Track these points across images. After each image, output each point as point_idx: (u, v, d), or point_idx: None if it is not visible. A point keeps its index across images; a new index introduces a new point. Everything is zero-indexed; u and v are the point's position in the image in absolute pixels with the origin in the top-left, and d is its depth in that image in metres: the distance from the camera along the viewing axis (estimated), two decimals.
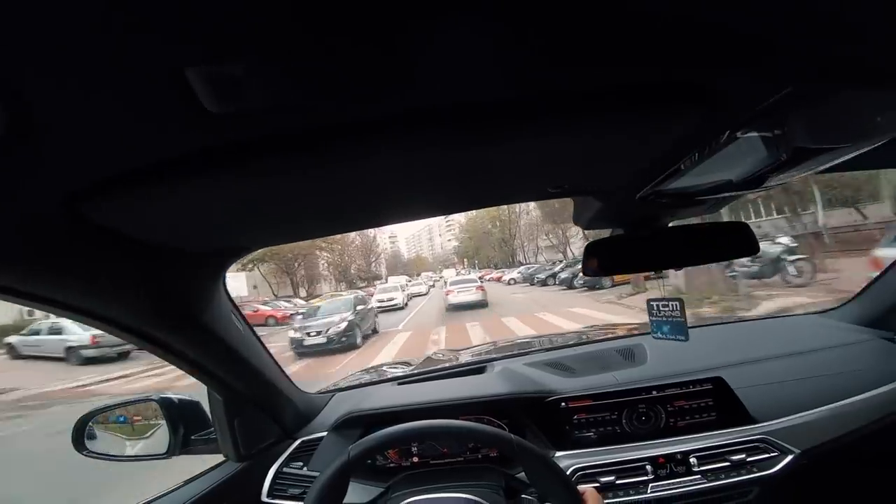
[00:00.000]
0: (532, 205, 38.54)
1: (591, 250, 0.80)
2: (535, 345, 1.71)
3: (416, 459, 1.08)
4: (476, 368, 1.41)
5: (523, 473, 0.90)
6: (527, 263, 37.87)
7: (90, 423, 0.98)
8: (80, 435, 0.97)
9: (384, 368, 1.81)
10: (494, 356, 1.51)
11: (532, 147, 0.50)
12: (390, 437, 0.66)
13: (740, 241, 0.78)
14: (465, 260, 74.91)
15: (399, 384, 1.37)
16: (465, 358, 1.67)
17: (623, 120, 0.45)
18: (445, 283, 19.91)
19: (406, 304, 18.32)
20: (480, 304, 13.61)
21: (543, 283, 19.10)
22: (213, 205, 0.52)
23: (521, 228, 43.19)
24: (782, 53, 0.35)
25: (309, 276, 35.98)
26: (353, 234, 44.43)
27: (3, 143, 0.31)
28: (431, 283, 36.72)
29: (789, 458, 0.97)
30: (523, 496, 0.74)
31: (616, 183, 0.67)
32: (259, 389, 1.01)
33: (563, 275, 16.71)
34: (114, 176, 0.41)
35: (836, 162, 0.53)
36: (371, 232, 52.37)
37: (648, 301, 0.99)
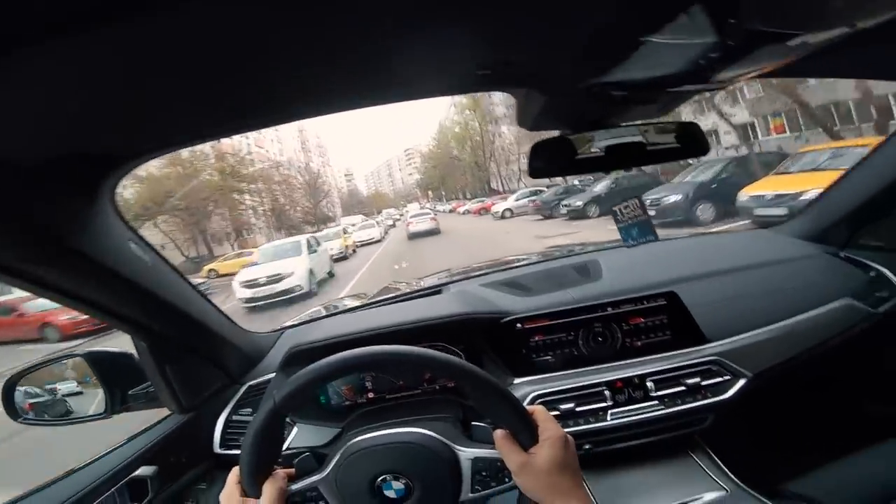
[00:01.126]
0: (504, 127, 36.87)
1: (537, 150, 0.80)
2: (492, 266, 1.74)
3: (371, 395, 1.09)
4: (432, 291, 1.44)
5: None
6: (502, 191, 35.12)
7: (18, 387, 0.95)
8: (10, 401, 0.95)
9: (339, 302, 1.82)
10: (452, 279, 1.54)
11: (457, 15, 0.44)
12: (316, 374, 0.62)
13: (691, 141, 0.79)
14: (429, 193, 72.94)
15: (350, 315, 1.36)
16: (420, 284, 1.70)
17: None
18: (407, 216, 23.64)
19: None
20: (435, 232, 17.73)
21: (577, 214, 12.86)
22: (70, 83, 0.41)
23: (495, 151, 40.13)
24: None
25: (236, 226, 30.43)
26: (293, 172, 40.95)
27: None
28: (391, 223, 33.61)
29: (741, 382, 1.01)
30: (473, 423, 0.73)
31: (559, 70, 0.62)
32: (188, 331, 0.97)
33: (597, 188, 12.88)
34: None
35: (789, 59, 0.52)
36: (316, 167, 49.39)
37: (612, 208, 1.00)
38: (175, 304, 0.90)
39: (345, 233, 18.11)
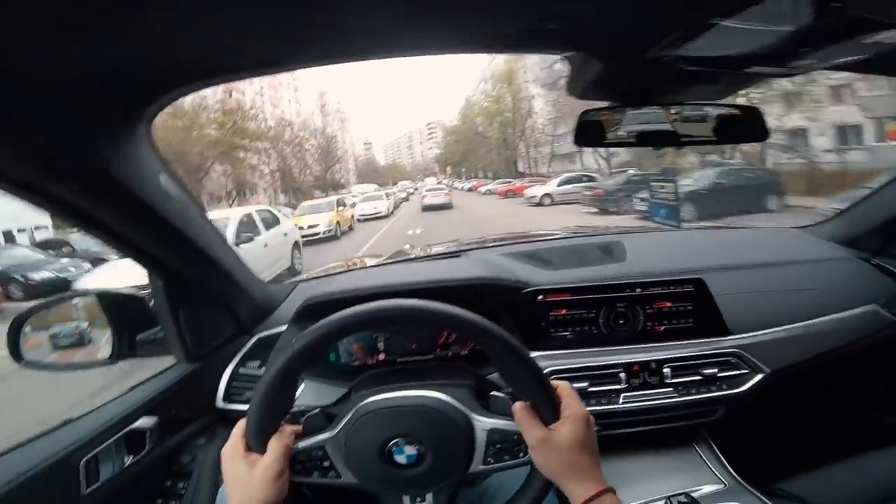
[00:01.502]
0: (537, 107, 36.26)
1: (586, 118, 0.78)
2: (512, 238, 1.75)
3: (381, 357, 1.09)
4: (450, 255, 1.43)
5: (495, 374, 0.93)
6: (530, 174, 33.17)
7: (25, 328, 0.92)
8: (16, 342, 0.90)
9: (354, 260, 1.85)
10: (470, 247, 1.54)
11: None
12: (337, 324, 0.60)
13: (750, 126, 0.77)
14: (447, 168, 72.69)
15: (366, 271, 1.40)
16: (438, 249, 1.70)
17: None
18: (423, 189, 26.39)
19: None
20: (447, 206, 20.02)
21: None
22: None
23: (526, 130, 37.65)
24: None
25: (237, 185, 29.62)
26: (305, 133, 39.84)
27: None
28: (404, 195, 31.45)
29: (759, 377, 1.03)
30: (492, 394, 0.72)
31: (627, 36, 0.61)
32: (208, 274, 0.97)
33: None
34: None
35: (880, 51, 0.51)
36: (333, 132, 48.38)
37: (650, 181, 1.02)
38: (198, 244, 0.88)
39: (341, 206, 14.41)
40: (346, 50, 0.65)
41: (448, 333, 1.09)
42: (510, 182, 25.79)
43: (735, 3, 0.45)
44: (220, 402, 1.02)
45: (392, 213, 19.87)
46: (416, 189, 44.25)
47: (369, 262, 1.70)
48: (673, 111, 0.78)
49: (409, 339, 1.09)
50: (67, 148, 0.60)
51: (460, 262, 1.34)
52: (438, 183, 34.22)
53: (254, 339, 1.09)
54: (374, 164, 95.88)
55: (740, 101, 0.92)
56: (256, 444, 0.58)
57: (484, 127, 45.18)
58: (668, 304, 1.09)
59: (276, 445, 0.58)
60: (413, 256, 1.63)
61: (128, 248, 0.79)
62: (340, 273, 1.49)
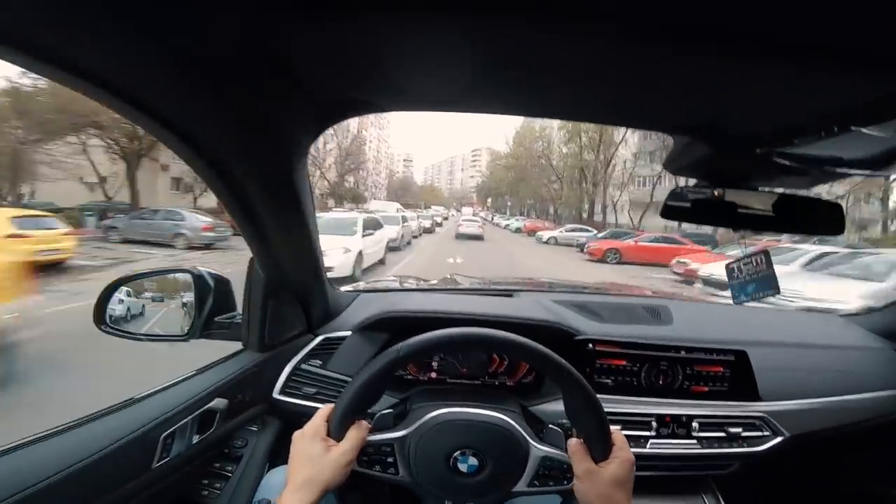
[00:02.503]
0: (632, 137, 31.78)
1: (677, 195, 0.87)
2: (558, 286, 1.92)
3: (433, 375, 1.20)
4: (503, 293, 1.57)
5: (537, 407, 1.07)
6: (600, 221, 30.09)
7: (116, 294, 1.01)
8: (103, 306, 1.00)
9: (405, 281, 1.95)
10: (518, 287, 1.68)
11: (698, 70, 0.51)
12: (442, 340, 0.71)
13: (829, 220, 0.85)
14: (488, 200, 71.63)
15: (426, 294, 1.52)
16: (488, 285, 1.87)
17: (791, 68, 0.47)
18: (459, 219, 28.98)
19: None
20: (479, 237, 22.54)
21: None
22: (381, 47, 0.52)
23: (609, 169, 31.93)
24: None
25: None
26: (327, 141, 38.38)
27: None
28: (430, 224, 27.21)
29: (778, 439, 1.15)
30: (550, 426, 0.83)
31: (740, 133, 0.69)
32: (303, 275, 1.09)
33: None
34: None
35: None
36: (355, 129, 45.17)
37: (727, 266, 1.06)
38: (307, 246, 1.01)
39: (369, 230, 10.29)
40: (529, 107, 0.76)
41: (499, 363, 1.20)
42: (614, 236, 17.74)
43: (867, 118, 0.52)
44: (276, 394, 1.11)
45: (404, 245, 15.11)
46: (445, 219, 43.59)
47: (416, 284, 1.84)
48: (760, 197, 0.85)
49: (463, 363, 1.20)
50: (273, 152, 0.74)
51: (516, 301, 1.48)
52: (474, 215, 35.72)
53: (318, 339, 1.19)
54: (410, 183, 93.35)
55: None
56: (338, 431, 0.67)
57: (552, 147, 39.89)
58: (708, 369, 1.21)
59: (353, 436, 0.68)
60: (467, 287, 1.77)
61: (258, 237, 0.91)
62: (398, 291, 1.62)
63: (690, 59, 0.48)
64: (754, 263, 1.00)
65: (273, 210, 0.87)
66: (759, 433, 1.16)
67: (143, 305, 1.08)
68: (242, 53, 0.52)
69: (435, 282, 1.94)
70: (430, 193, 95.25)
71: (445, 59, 0.55)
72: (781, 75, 0.50)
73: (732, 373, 1.21)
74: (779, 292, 0.98)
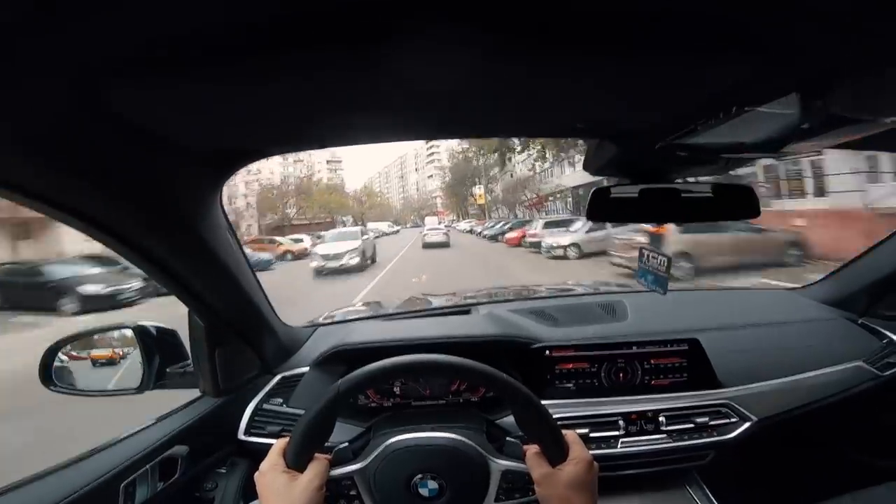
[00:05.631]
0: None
1: (598, 196, 1.01)
2: (517, 293, 2.15)
3: (397, 400, 1.34)
4: (460, 310, 1.75)
5: (504, 419, 1.19)
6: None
7: (59, 354, 1.16)
8: (48, 367, 1.15)
9: (365, 307, 2.17)
10: (477, 301, 1.88)
11: (580, 74, 0.61)
12: (381, 371, 0.82)
13: (744, 204, 1.00)
14: (462, 210, 63.03)
15: (383, 321, 1.69)
16: (447, 301, 2.07)
17: (678, 60, 0.56)
18: (424, 229, 31.27)
19: None
20: (445, 245, 25.52)
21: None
22: (239, 93, 0.61)
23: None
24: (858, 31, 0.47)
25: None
26: None
27: (27, 17, 0.39)
28: (362, 252, 23.10)
29: (746, 424, 1.29)
30: (508, 439, 0.95)
31: (643, 128, 0.83)
32: (245, 318, 1.21)
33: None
34: (132, 55, 0.48)
35: (854, 137, 0.71)
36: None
37: (640, 248, 1.26)
38: (244, 291, 1.14)
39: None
40: (405, 133, 0.91)
41: (460, 382, 1.35)
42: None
43: (739, 105, 0.65)
44: (241, 435, 1.25)
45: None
46: (396, 231, 43.75)
47: (375, 311, 2.04)
48: (676, 189, 1.01)
49: (424, 385, 1.35)
50: (167, 207, 0.85)
51: (472, 318, 1.66)
52: (440, 223, 38.83)
53: (277, 378, 1.34)
54: (341, 192, 73.88)
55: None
56: (297, 462, 0.76)
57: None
58: (665, 361, 1.37)
59: (316, 465, 0.77)
60: (425, 308, 1.98)
61: (187, 291, 1.03)
62: (356, 320, 1.80)
63: (580, 64, 0.58)
64: (659, 261, 1.22)
65: (193, 266, 0.99)
66: (727, 420, 1.30)
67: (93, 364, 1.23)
68: (95, 123, 0.60)
69: (397, 303, 2.15)
70: (370, 205, 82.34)
71: (317, 97, 0.64)
72: (658, 68, 0.59)
73: (689, 362, 1.37)
74: (665, 293, 1.21)
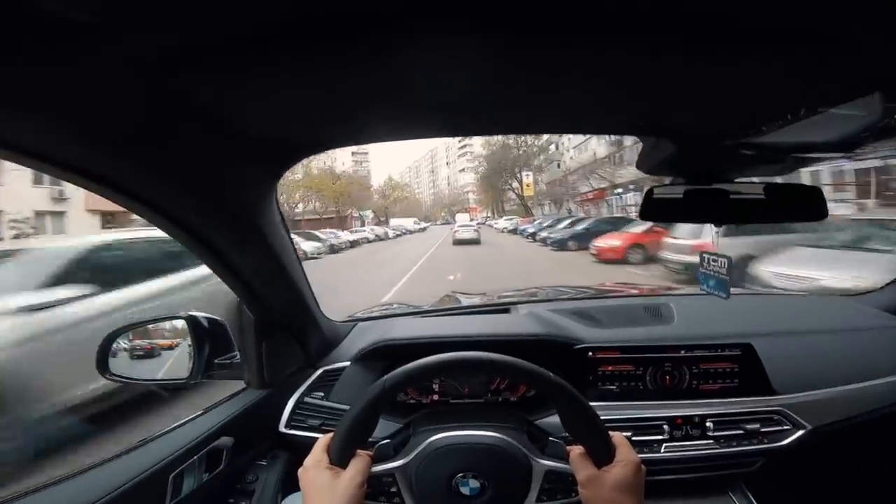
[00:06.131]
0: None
1: (653, 195, 1.01)
2: (557, 293, 2.16)
3: (436, 397, 1.38)
4: (500, 309, 1.78)
5: (543, 420, 1.21)
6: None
7: (116, 342, 1.23)
8: (105, 355, 1.21)
9: (402, 305, 2.20)
10: (517, 300, 1.90)
11: (647, 72, 0.62)
12: (428, 367, 0.85)
13: (810, 206, 0.98)
14: (498, 205, 58.96)
15: (422, 318, 1.73)
16: (484, 300, 2.10)
17: (751, 59, 0.56)
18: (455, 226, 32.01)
19: None
20: (476, 241, 26.64)
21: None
22: (308, 84, 0.63)
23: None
24: None
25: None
26: None
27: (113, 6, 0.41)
28: None
29: (800, 433, 1.28)
30: (550, 439, 0.97)
31: (706, 127, 0.82)
32: (293, 311, 1.27)
33: None
34: (209, 44, 0.51)
35: None
36: None
37: (701, 252, 1.25)
38: (294, 285, 1.19)
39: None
40: (465, 127, 0.93)
41: (500, 380, 1.38)
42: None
43: (811, 106, 0.65)
44: (282, 427, 1.30)
45: None
46: (419, 229, 42.74)
47: (412, 307, 2.08)
48: (737, 189, 0.99)
49: (463, 383, 1.38)
50: (228, 197, 0.89)
51: (512, 317, 1.68)
52: (471, 220, 38.94)
53: (319, 372, 1.39)
54: (364, 185, 68.42)
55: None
56: (341, 459, 0.79)
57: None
58: (715, 366, 1.35)
59: (358, 461, 0.79)
60: (463, 306, 2.03)
61: (241, 283, 1.08)
62: (395, 316, 1.86)
63: (645, 60, 0.58)
64: (720, 263, 1.20)
65: (248, 258, 1.04)
66: (779, 427, 1.29)
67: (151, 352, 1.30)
68: (170, 114, 0.64)
69: (433, 301, 2.20)
70: (393, 197, 76.84)
71: (384, 89, 0.66)
72: (733, 68, 0.59)
73: (741, 367, 1.34)
74: (728, 297, 1.18)
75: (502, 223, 42.62)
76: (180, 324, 1.30)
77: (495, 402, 1.40)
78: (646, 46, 0.54)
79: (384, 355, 1.41)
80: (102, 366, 1.24)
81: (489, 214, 65.89)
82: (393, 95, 0.70)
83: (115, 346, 1.28)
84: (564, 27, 0.49)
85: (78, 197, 21.19)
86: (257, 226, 0.99)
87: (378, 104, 0.73)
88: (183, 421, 1.16)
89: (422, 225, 53.69)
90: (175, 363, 1.32)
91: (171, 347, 1.34)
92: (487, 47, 0.54)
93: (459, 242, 27.01)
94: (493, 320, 1.67)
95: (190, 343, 1.29)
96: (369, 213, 60.85)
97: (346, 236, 31.67)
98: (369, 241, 34.96)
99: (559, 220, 26.14)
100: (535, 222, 31.02)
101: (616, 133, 1.02)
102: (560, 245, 20.21)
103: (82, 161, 0.64)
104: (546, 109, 0.82)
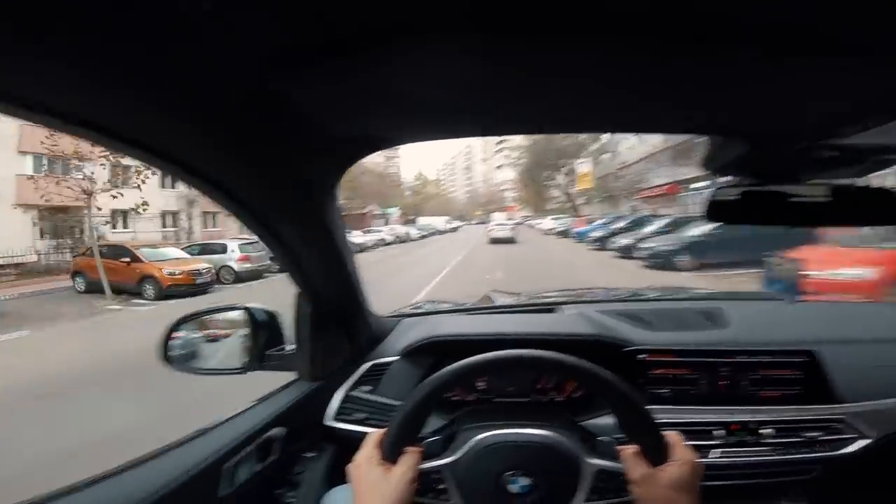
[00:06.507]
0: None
1: (721, 194, 1.00)
2: (603, 295, 2.15)
3: (479, 395, 1.40)
4: (544, 308, 1.79)
5: (589, 422, 1.21)
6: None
7: (179, 330, 1.31)
8: (167, 345, 1.28)
9: (444, 302, 2.24)
10: (561, 300, 1.91)
11: (718, 73, 0.62)
12: (483, 364, 0.87)
13: (887, 209, 0.95)
14: (540, 203, 53.64)
15: (466, 315, 1.77)
16: (528, 300, 2.12)
17: (839, 63, 0.56)
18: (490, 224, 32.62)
19: None
20: (511, 240, 26.94)
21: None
22: (390, 82, 0.66)
23: None
24: None
25: None
26: None
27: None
28: None
29: (863, 442, 1.24)
30: (599, 439, 0.98)
31: (783, 129, 0.81)
32: (346, 305, 1.32)
33: None
34: (304, 42, 0.54)
35: None
36: None
37: (767, 256, 1.31)
38: (350, 277, 1.24)
39: None
40: (547, 125, 0.97)
41: (546, 380, 1.39)
42: None
43: None
44: (329, 420, 1.35)
45: None
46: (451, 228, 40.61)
47: (455, 304, 2.12)
48: (811, 191, 0.96)
49: (509, 381, 1.41)
50: (304, 189, 0.95)
51: (558, 316, 1.69)
52: (508, 219, 38.43)
53: (367, 366, 1.44)
54: (390, 182, 64.74)
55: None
56: (392, 455, 0.81)
57: None
58: (777, 372, 1.33)
59: (408, 457, 0.81)
60: (508, 305, 2.05)
61: (303, 275, 1.14)
62: (439, 313, 1.91)
63: (721, 61, 0.58)
64: (788, 269, 1.28)
65: (310, 249, 1.09)
66: (841, 436, 1.26)
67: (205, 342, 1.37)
68: (259, 106, 0.67)
69: (474, 300, 2.22)
70: (423, 195, 73.43)
71: (461, 84, 0.68)
72: (817, 70, 0.58)
73: (804, 375, 1.33)
74: (795, 301, 1.15)
75: (549, 223, 38.49)
76: (232, 315, 1.39)
77: (539, 402, 1.42)
78: (728, 51, 0.55)
79: (432, 351, 1.44)
80: (164, 356, 1.32)
81: (529, 214, 62.63)
82: (458, 95, 0.73)
83: (177, 336, 1.37)
84: (645, 32, 0.51)
85: (10, 192, 20.15)
86: (322, 218, 1.05)
87: (444, 102, 0.76)
88: (238, 411, 1.20)
89: (454, 224, 51.23)
90: (225, 353, 1.40)
91: (216, 340, 1.44)
92: (562, 54, 0.57)
93: (495, 241, 27.60)
94: (538, 319, 1.68)
95: (241, 334, 1.36)
96: (394, 211, 56.69)
97: (352, 238, 28.79)
98: (386, 244, 32.20)
99: (639, 222, 20.13)
100: (598, 223, 24.56)
101: (681, 132, 1.03)
102: (663, 259, 14.38)
103: (164, 146, 0.68)
104: (622, 109, 0.83)
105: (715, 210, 1.01)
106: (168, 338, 1.33)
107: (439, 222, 50.03)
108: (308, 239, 1.08)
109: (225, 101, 0.63)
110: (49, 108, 0.53)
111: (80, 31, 0.44)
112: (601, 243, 20.17)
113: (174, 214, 27.57)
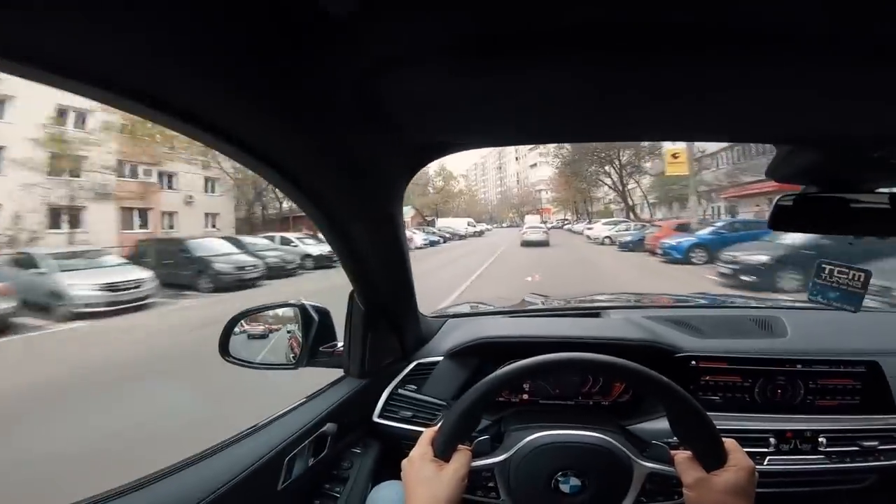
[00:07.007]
0: None
1: (786, 202, 1.01)
2: (648, 301, 2.14)
3: (525, 396, 1.44)
4: (590, 313, 1.82)
5: (635, 426, 1.23)
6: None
7: (239, 324, 1.38)
8: (227, 338, 1.35)
9: (485, 304, 2.28)
10: (604, 304, 1.93)
11: (806, 83, 0.63)
12: (535, 366, 0.90)
13: None
14: (579, 205, 48.00)
15: (511, 318, 1.81)
16: (572, 303, 2.13)
17: None
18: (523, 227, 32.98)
19: None
20: (545, 243, 27.07)
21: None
22: (486, 91, 0.69)
23: None
24: None
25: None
26: None
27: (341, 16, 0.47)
28: None
29: None
30: (653, 443, 1.00)
31: (856, 138, 0.82)
32: (398, 304, 1.37)
33: None
34: (398, 54, 0.57)
35: None
36: None
37: (820, 262, 1.23)
38: (405, 277, 1.30)
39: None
40: (629, 132, 0.99)
41: (592, 384, 1.43)
42: None
43: None
44: (375, 417, 1.40)
45: None
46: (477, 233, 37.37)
47: (498, 306, 2.17)
48: (878, 199, 0.97)
49: (554, 384, 1.45)
50: (377, 190, 1.01)
51: (605, 321, 1.72)
52: (542, 222, 39.38)
53: (412, 365, 1.49)
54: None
55: None
56: (445, 452, 0.83)
57: None
58: (835, 382, 1.34)
59: (460, 455, 0.84)
60: (552, 308, 2.08)
61: (361, 274, 1.20)
62: (484, 314, 1.96)
63: (797, 70, 0.59)
64: (851, 276, 1.19)
65: (374, 247, 1.14)
66: None
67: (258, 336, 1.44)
68: (356, 108, 0.70)
69: (515, 303, 2.26)
70: (444, 194, 65.79)
71: (548, 97, 0.71)
72: (887, 78, 0.59)
73: (864, 385, 1.34)
74: (856, 311, 1.17)
75: (600, 229, 28.70)
76: (282, 311, 1.47)
77: (586, 405, 1.45)
78: (807, 62, 0.57)
79: (479, 352, 1.49)
80: (224, 349, 1.39)
81: (567, 217, 56.65)
82: (542, 106, 0.77)
83: (238, 329, 1.44)
84: (719, 42, 0.54)
85: None
86: (389, 219, 1.10)
87: (526, 112, 0.80)
88: (292, 406, 1.27)
89: (478, 227, 45.77)
90: (272, 348, 1.48)
91: (263, 336, 1.51)
92: (647, 62, 0.59)
93: (527, 244, 28.14)
94: (585, 323, 1.71)
95: (288, 330, 1.44)
96: (406, 211, 53.21)
97: (312, 248, 18.82)
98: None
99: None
100: (707, 231, 16.62)
101: (752, 141, 1.06)
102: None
103: (255, 140, 0.72)
104: (693, 117, 0.85)
105: (779, 218, 1.03)
106: (228, 333, 1.40)
107: (460, 225, 43.35)
108: (374, 238, 1.13)
109: (324, 102, 0.67)
110: (167, 105, 0.58)
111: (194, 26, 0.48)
112: (733, 270, 11.39)
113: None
